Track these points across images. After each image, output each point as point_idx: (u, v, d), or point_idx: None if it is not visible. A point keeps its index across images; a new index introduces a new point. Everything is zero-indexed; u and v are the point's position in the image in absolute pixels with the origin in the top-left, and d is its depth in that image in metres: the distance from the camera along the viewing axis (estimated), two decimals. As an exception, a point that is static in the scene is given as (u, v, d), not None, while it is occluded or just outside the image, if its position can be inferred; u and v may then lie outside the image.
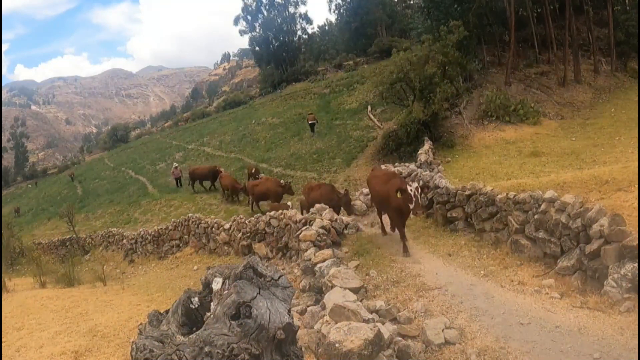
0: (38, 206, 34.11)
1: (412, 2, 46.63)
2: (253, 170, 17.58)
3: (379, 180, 8.23)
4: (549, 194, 6.08)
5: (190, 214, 14.46)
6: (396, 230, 8.09)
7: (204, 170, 19.99)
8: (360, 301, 4.90)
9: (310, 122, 24.57)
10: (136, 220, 20.08)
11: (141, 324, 2.43)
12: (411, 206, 6.97)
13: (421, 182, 8.30)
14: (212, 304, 2.25)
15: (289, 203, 12.26)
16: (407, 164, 13.31)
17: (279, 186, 13.87)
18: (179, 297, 2.45)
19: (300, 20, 48.87)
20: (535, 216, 6.17)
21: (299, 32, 49.68)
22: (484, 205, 7.31)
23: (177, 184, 22.60)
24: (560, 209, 5.74)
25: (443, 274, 6.10)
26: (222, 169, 19.24)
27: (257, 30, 48.00)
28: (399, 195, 6.98)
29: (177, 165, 23.71)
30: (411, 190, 6.95)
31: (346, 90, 31.26)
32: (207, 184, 20.05)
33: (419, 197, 6.95)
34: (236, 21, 48.44)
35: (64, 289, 10.67)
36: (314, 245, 7.48)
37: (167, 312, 2.49)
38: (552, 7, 25.33)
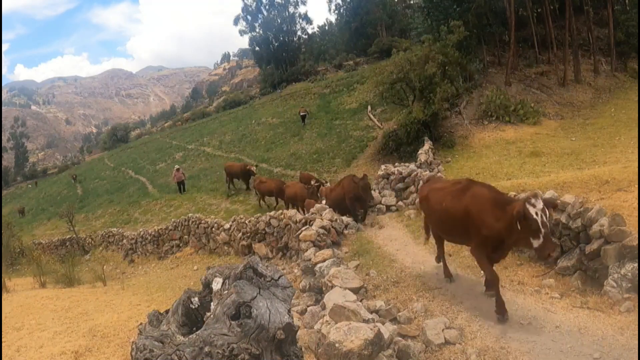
0: (38, 206, 34.11)
1: (412, 2, 46.63)
2: (313, 181, 13.60)
3: (444, 193, 5.35)
4: (549, 194, 6.08)
5: (190, 214, 14.47)
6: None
7: (236, 169, 18.74)
8: (360, 301, 4.90)
9: (301, 114, 26.61)
10: (136, 220, 20.08)
11: (141, 324, 2.43)
12: (535, 243, 4.08)
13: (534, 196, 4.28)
14: (212, 304, 2.25)
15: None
16: (407, 164, 13.31)
17: (304, 190, 13.05)
18: (179, 297, 2.46)
19: (300, 20, 49.03)
20: (535, 216, 6.16)
21: (299, 32, 49.88)
22: (484, 205, 7.28)
23: (179, 188, 20.98)
24: (560, 209, 5.74)
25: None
26: (253, 168, 17.80)
27: (257, 30, 48.12)
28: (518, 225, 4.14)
29: (179, 167, 22.02)
30: (536, 213, 4.05)
31: (346, 90, 31.29)
32: (235, 182, 18.94)
33: (548, 224, 4.11)
34: (236, 21, 48.62)
35: (64, 289, 10.66)
36: (314, 245, 7.48)
37: (167, 312, 2.49)
38: (552, 7, 25.32)
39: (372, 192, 11.53)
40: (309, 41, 52.31)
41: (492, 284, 4.76)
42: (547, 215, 4.11)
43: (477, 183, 5.16)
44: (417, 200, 7.11)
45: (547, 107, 20.01)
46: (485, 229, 4.55)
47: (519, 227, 4.15)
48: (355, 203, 9.63)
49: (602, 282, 4.76)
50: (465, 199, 4.87)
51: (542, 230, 4.04)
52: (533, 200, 4.13)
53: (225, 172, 19.20)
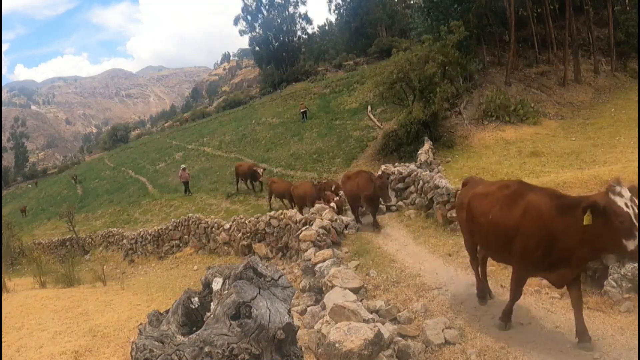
0: (38, 206, 34.11)
1: (412, 2, 46.62)
2: (333, 188, 12.39)
3: (490, 201, 4.28)
4: (549, 194, 6.07)
5: (190, 214, 14.46)
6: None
7: (244, 169, 18.10)
8: (360, 301, 4.90)
9: (302, 110, 27.65)
10: (136, 220, 20.08)
11: (141, 324, 2.43)
12: (631, 245, 3.10)
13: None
14: (212, 304, 2.25)
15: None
16: (407, 164, 13.31)
17: (313, 190, 12.52)
18: (179, 297, 2.46)
19: (300, 20, 48.95)
20: (535, 216, 6.14)
21: (299, 32, 49.78)
22: (484, 205, 7.28)
23: (185, 189, 20.29)
24: (560, 209, 5.72)
25: (443, 274, 6.09)
26: (260, 170, 17.15)
27: (257, 30, 48.09)
28: (587, 219, 3.24)
29: (184, 167, 21.07)
30: (626, 204, 3.14)
31: (346, 90, 31.29)
32: (248, 183, 18.25)
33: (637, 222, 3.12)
34: (236, 21, 48.57)
35: (64, 289, 10.67)
36: (314, 245, 7.48)
37: (167, 312, 2.49)
38: (552, 7, 25.35)
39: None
40: (309, 41, 52.24)
41: (512, 299, 4.28)
42: (637, 205, 3.11)
43: (533, 187, 4.07)
44: (456, 209, 5.44)
45: (547, 107, 20.02)
46: (539, 250, 3.63)
47: (588, 221, 3.18)
48: (369, 205, 9.15)
49: (602, 282, 4.76)
50: (518, 210, 3.88)
51: (637, 224, 3.05)
52: (618, 189, 3.17)
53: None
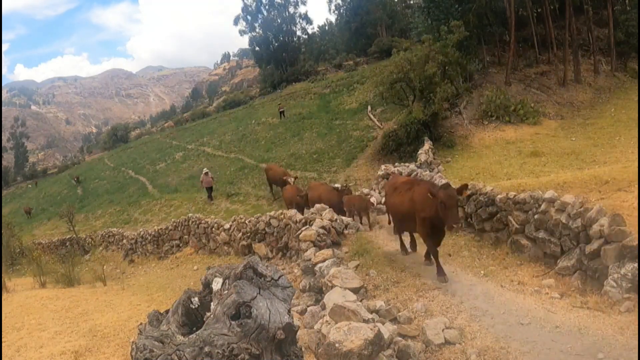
0: (38, 206, 34.10)
1: (412, 2, 46.66)
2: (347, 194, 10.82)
3: None
4: (549, 194, 6.08)
5: (190, 214, 14.47)
6: None
7: (276, 174, 15.73)
8: (360, 301, 4.90)
9: (280, 110, 30.28)
10: (136, 220, 20.08)
11: (141, 324, 2.42)
12: None
13: None
14: (212, 304, 2.25)
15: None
16: (407, 164, 13.32)
17: (332, 192, 11.06)
18: (179, 297, 2.45)
19: (300, 20, 49.02)
20: (535, 216, 6.16)
21: (299, 32, 49.88)
22: (484, 205, 7.31)
23: (209, 195, 18.42)
24: (560, 209, 5.73)
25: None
26: (291, 179, 14.37)
27: (257, 30, 48.15)
28: None
29: (207, 171, 18.84)
30: None
31: (346, 90, 31.31)
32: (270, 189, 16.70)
33: None
34: (236, 21, 48.63)
35: (64, 289, 10.66)
36: (314, 245, 7.47)
37: (167, 312, 2.49)
38: (552, 7, 25.34)
39: (372, 192, 11.44)
40: (309, 41, 52.26)
41: None
42: None
43: None
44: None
45: (547, 107, 20.02)
46: None
47: None
48: (432, 232, 5.99)
49: (602, 282, 4.76)
50: None
51: None
52: None
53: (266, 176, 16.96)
